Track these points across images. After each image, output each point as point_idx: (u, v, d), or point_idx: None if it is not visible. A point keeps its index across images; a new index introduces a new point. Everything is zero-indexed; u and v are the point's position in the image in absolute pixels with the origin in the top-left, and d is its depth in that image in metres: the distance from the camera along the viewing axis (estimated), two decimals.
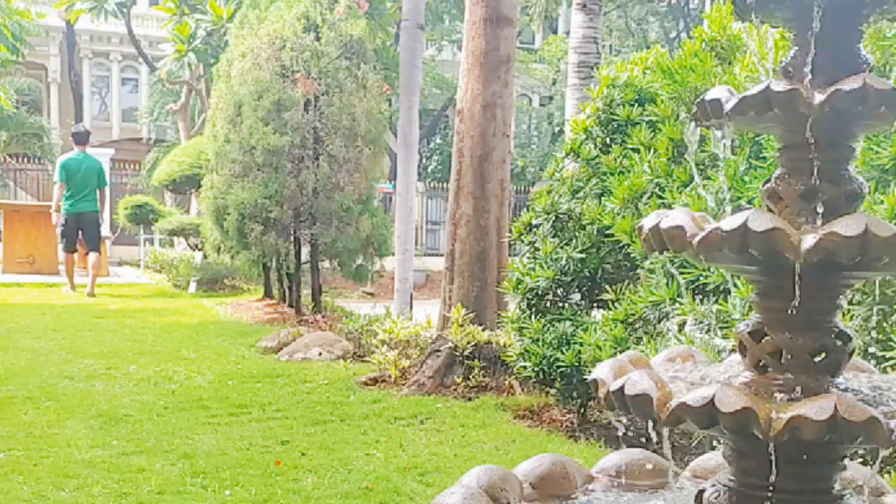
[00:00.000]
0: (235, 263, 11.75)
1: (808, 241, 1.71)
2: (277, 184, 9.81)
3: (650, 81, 5.63)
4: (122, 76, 33.38)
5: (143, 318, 10.28)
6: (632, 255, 5.01)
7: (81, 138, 13.06)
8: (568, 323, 5.52)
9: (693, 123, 2.03)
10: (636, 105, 5.62)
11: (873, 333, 3.25)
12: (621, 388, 1.86)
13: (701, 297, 4.20)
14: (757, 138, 4.34)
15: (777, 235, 1.72)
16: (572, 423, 5.82)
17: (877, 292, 3.15)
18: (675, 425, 1.79)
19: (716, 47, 5.25)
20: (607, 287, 5.36)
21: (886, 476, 2.92)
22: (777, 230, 1.72)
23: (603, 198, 5.45)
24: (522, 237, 6.05)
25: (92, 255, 12.84)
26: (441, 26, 30.37)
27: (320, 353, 7.94)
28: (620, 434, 2.17)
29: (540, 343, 5.54)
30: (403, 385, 6.74)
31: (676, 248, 1.87)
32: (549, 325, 5.61)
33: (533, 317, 5.73)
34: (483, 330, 6.99)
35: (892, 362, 3.26)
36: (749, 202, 3.92)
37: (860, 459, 2.41)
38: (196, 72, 18.38)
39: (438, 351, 6.85)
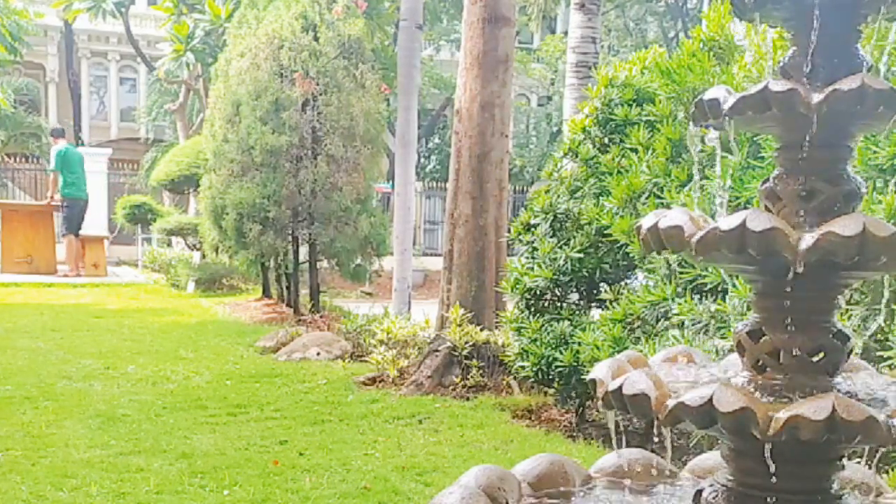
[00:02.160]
0: (234, 263, 11.75)
1: (807, 240, 1.71)
2: (276, 183, 9.81)
3: (648, 81, 5.64)
4: (121, 76, 33.33)
5: (142, 318, 10.28)
6: (630, 255, 5.02)
7: (61, 133, 14.91)
8: (566, 323, 5.52)
9: (692, 123, 2.03)
10: (634, 105, 5.63)
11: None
12: (620, 388, 1.86)
13: (699, 296, 4.21)
14: (755, 138, 4.35)
15: (775, 235, 1.72)
16: (571, 422, 5.82)
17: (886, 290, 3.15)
18: (674, 425, 1.79)
19: (714, 47, 5.26)
20: (605, 287, 5.36)
21: (884, 476, 2.92)
22: (775, 230, 1.72)
23: (601, 198, 5.45)
24: (521, 237, 6.05)
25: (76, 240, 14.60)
26: (439, 26, 30.35)
27: (318, 353, 7.93)
28: (617, 434, 2.16)
29: (538, 343, 5.54)
30: (402, 385, 6.74)
31: (675, 248, 1.87)
32: (547, 324, 5.61)
33: (531, 316, 5.73)
34: (481, 330, 6.99)
35: (889, 362, 3.26)
36: (748, 202, 3.93)
37: (858, 459, 2.41)
38: (194, 71, 18.37)
39: (437, 351, 6.85)
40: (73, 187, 14.25)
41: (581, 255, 5.51)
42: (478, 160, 8.43)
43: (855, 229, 1.68)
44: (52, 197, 14.78)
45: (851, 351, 1.98)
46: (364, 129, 10.05)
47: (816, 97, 1.79)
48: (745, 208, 1.90)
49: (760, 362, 1.94)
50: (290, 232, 10.15)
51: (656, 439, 2.04)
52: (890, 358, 3.29)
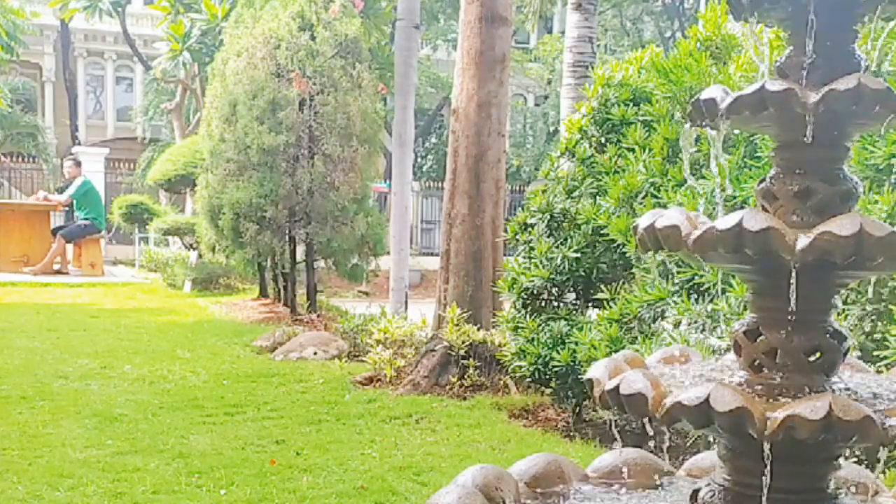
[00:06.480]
0: (230, 263, 11.72)
1: (803, 240, 1.71)
2: (272, 183, 9.80)
3: (645, 81, 5.64)
4: (117, 75, 33.31)
5: (138, 318, 10.26)
6: (627, 255, 5.02)
7: (79, 163, 15.60)
8: (563, 322, 5.52)
9: (688, 123, 2.03)
10: (631, 104, 5.63)
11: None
12: (617, 388, 1.86)
13: (696, 296, 4.21)
14: (752, 138, 4.35)
15: (772, 235, 1.72)
16: (567, 422, 5.82)
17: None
18: (671, 424, 1.79)
19: (711, 47, 5.26)
20: (602, 286, 5.36)
21: (881, 475, 2.92)
22: (772, 230, 1.72)
23: (598, 197, 5.45)
24: (518, 236, 6.05)
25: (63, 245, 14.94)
26: (436, 25, 30.36)
27: (315, 353, 7.93)
28: (613, 433, 2.17)
29: (535, 342, 5.54)
30: (399, 384, 6.74)
31: (672, 248, 1.87)
32: (544, 324, 5.61)
33: (528, 316, 5.73)
34: (478, 329, 6.99)
35: (886, 362, 3.27)
36: (744, 202, 3.93)
37: (854, 459, 2.42)
38: (191, 71, 18.33)
39: (433, 350, 6.85)
40: (96, 221, 14.95)
41: (578, 255, 5.51)
42: (475, 160, 8.43)
43: (852, 229, 1.68)
44: (53, 203, 15.49)
45: (848, 350, 1.98)
46: (361, 129, 10.04)
47: (813, 97, 1.79)
48: (742, 208, 1.90)
49: (757, 362, 1.95)
50: (287, 231, 10.14)
51: (653, 439, 2.04)
52: (887, 357, 3.29)
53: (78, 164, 15.45)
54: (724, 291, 3.94)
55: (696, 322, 4.06)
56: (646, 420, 1.86)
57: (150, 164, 20.83)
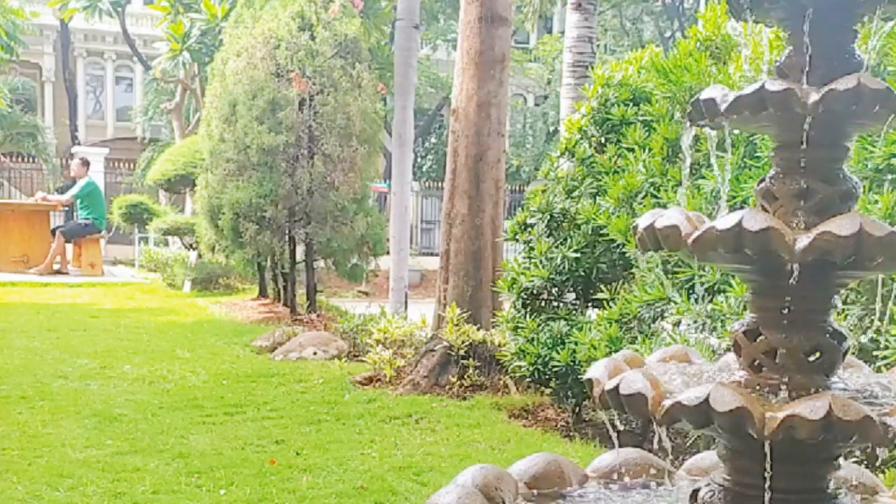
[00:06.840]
0: (230, 263, 11.72)
1: (803, 240, 1.71)
2: (272, 183, 9.80)
3: (645, 81, 5.63)
4: (117, 75, 33.31)
5: (138, 318, 10.26)
6: (626, 255, 5.02)
7: (88, 164, 15.59)
8: (563, 322, 5.52)
9: (688, 123, 2.03)
10: (631, 104, 5.62)
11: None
12: (616, 388, 1.86)
13: (696, 296, 4.21)
14: (751, 138, 4.35)
15: (772, 235, 1.72)
16: (567, 422, 5.82)
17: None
18: (670, 424, 1.79)
19: (710, 47, 5.26)
20: (602, 286, 5.36)
21: (881, 475, 2.92)
22: (772, 230, 1.72)
23: (598, 197, 5.45)
24: (517, 236, 6.05)
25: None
26: (436, 25, 30.37)
27: (315, 353, 7.93)
28: (613, 433, 2.17)
29: (535, 342, 5.54)
30: (398, 384, 6.73)
31: (671, 248, 1.87)
32: (543, 324, 5.61)
33: (528, 316, 5.73)
34: (478, 329, 6.98)
35: (886, 362, 3.27)
36: (744, 202, 3.93)
37: (854, 459, 2.41)
38: (191, 71, 18.33)
39: (433, 350, 6.84)
40: (97, 221, 14.89)
41: (577, 255, 5.51)
42: (474, 160, 8.43)
43: (851, 229, 1.68)
44: (52, 203, 15.45)
45: (848, 350, 1.98)
46: (360, 129, 10.03)
47: (813, 97, 1.79)
48: (742, 208, 1.90)
49: (757, 362, 1.95)
50: (287, 231, 10.14)
51: (653, 439, 2.04)
52: (887, 357, 3.29)
53: (86, 163, 15.42)
54: (723, 291, 3.94)
55: (696, 322, 4.06)
56: (646, 420, 1.86)
57: (149, 164, 20.82)
